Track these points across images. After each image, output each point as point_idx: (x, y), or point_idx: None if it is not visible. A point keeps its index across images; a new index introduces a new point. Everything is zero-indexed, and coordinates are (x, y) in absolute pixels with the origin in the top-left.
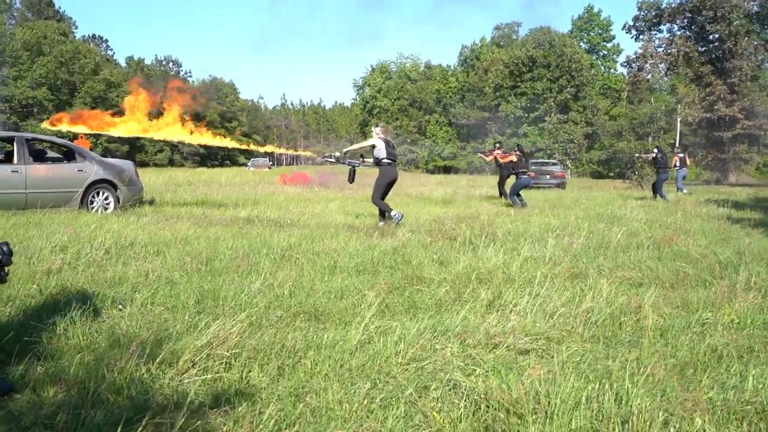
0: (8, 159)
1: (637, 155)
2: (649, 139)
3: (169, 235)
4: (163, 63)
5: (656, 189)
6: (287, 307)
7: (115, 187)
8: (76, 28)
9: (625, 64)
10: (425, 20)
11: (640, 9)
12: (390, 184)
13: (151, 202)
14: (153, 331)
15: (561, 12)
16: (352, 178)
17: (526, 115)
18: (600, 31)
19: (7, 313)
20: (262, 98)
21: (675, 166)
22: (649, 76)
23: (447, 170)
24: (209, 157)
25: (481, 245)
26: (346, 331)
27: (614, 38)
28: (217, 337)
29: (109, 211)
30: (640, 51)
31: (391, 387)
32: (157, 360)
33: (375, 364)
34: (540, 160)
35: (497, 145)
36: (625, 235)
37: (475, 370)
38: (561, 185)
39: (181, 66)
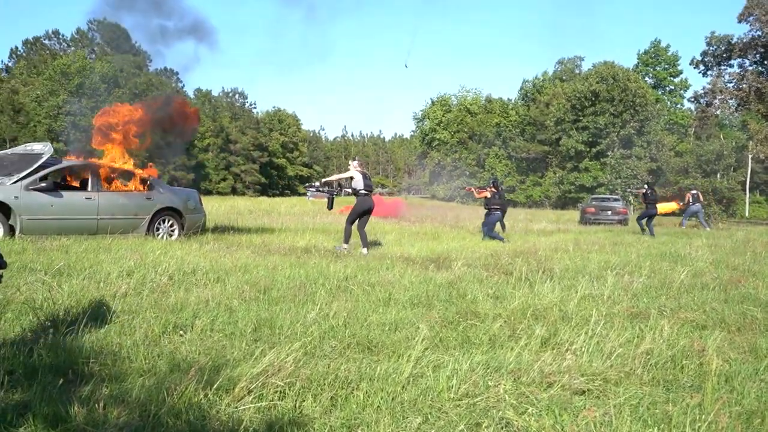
0: (83, 186)
1: (629, 190)
2: (717, 176)
3: (230, 263)
4: (230, 95)
5: (640, 223)
6: (341, 338)
7: (180, 214)
8: (150, 61)
9: (693, 99)
10: (486, 53)
11: (709, 44)
12: (365, 212)
13: (214, 230)
14: (211, 357)
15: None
16: (330, 205)
17: (588, 149)
18: (666, 66)
19: (77, 336)
20: (323, 129)
21: (688, 203)
22: (717, 112)
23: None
24: (270, 186)
25: (538, 281)
26: (398, 363)
27: (681, 73)
28: (273, 365)
29: (173, 237)
30: (708, 86)
31: (443, 423)
32: (215, 386)
33: (427, 398)
34: (601, 196)
35: (494, 182)
36: (689, 275)
37: (527, 409)
38: (623, 222)
39: (246, 98)
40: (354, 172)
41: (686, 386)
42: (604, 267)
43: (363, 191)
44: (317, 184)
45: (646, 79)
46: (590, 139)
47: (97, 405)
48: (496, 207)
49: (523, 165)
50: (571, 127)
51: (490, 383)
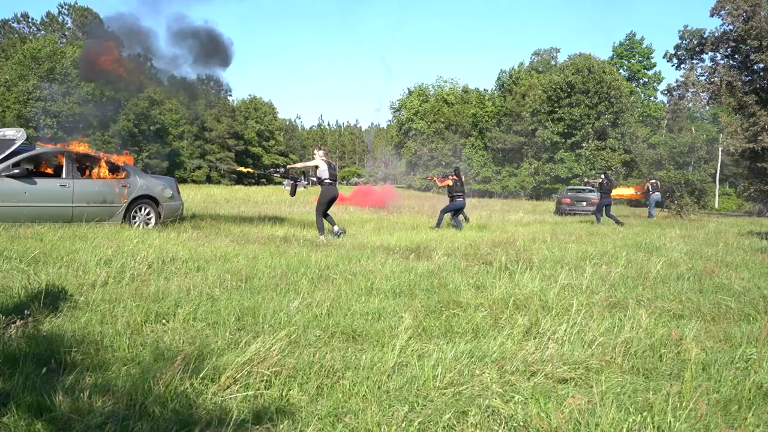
0: (57, 173)
1: (586, 180)
2: (689, 168)
3: (209, 251)
4: (205, 81)
5: (597, 213)
6: (325, 327)
7: (156, 202)
8: (123, 47)
9: (666, 92)
10: (464, 44)
11: (681, 38)
12: (330, 201)
13: (191, 219)
14: (195, 347)
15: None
16: (293, 192)
17: (563, 140)
18: (641, 59)
19: (57, 324)
20: (300, 118)
21: (647, 191)
22: (690, 105)
23: (482, 194)
24: (246, 175)
25: (518, 271)
26: (383, 352)
27: (655, 66)
28: (258, 354)
29: (150, 226)
30: (681, 79)
31: (429, 411)
32: (200, 375)
33: (412, 387)
34: (576, 187)
35: (456, 170)
36: (664, 265)
37: (513, 397)
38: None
39: (222, 86)
40: (319, 161)
41: (665, 374)
42: (582, 257)
43: (328, 180)
44: (282, 170)
45: (621, 71)
46: (565, 131)
47: (81, 394)
48: (458, 194)
49: (499, 156)
50: (546, 119)
51: (475, 372)
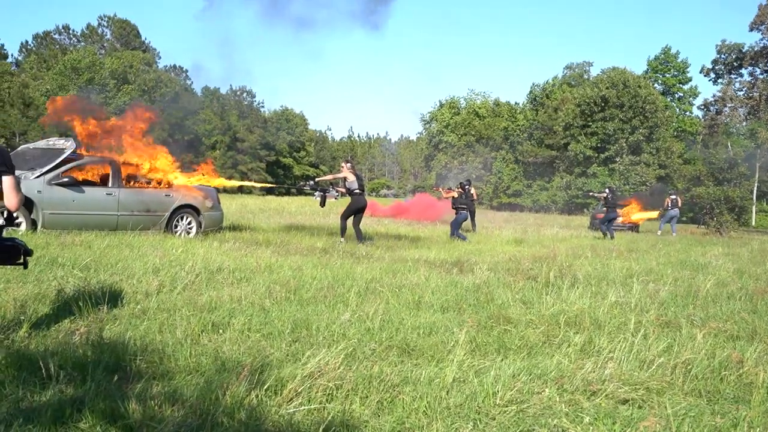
0: (104, 182)
1: (591, 193)
2: (729, 184)
3: (253, 262)
4: (237, 93)
5: (603, 227)
6: (379, 341)
7: (198, 212)
8: (160, 58)
9: (702, 107)
10: (495, 57)
11: (719, 52)
12: (359, 210)
13: (230, 228)
14: (254, 358)
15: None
16: (323, 203)
17: (596, 155)
18: (676, 73)
19: (118, 332)
20: (330, 129)
21: (667, 207)
22: (727, 120)
23: (512, 207)
24: (276, 186)
25: (564, 287)
26: (439, 368)
27: (691, 80)
28: (319, 367)
29: (191, 235)
30: (718, 94)
31: (494, 429)
32: (264, 387)
33: (473, 403)
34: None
35: (462, 183)
36: (713, 284)
37: (580, 417)
38: (633, 228)
39: (254, 96)
40: (347, 173)
41: (729, 398)
42: (627, 274)
43: (357, 191)
44: (311, 182)
45: (656, 85)
46: (599, 145)
47: (152, 402)
48: (462, 207)
49: (530, 169)
50: (579, 132)
51: (534, 390)
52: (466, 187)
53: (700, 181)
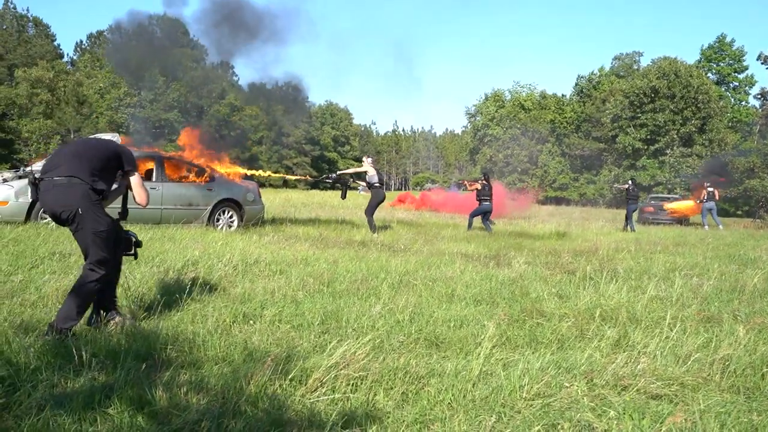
0: (148, 176)
1: (614, 185)
2: None
3: (290, 255)
4: (283, 88)
5: (627, 219)
6: (408, 333)
7: (239, 206)
8: (207, 55)
9: (759, 96)
10: (542, 49)
11: None
12: (380, 203)
13: (271, 222)
14: (282, 348)
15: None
16: (344, 195)
17: (646, 147)
18: (731, 62)
19: (153, 322)
20: (374, 124)
21: (703, 199)
22: None
23: (558, 201)
24: (321, 180)
25: (603, 281)
26: (467, 360)
27: (747, 69)
28: (344, 358)
29: (233, 229)
30: None
31: (518, 422)
32: (289, 377)
33: (499, 396)
34: (660, 195)
35: (485, 175)
36: (762, 279)
37: (606, 412)
38: (682, 222)
39: (300, 91)
40: (368, 167)
41: None
42: (670, 268)
43: (377, 184)
44: (333, 175)
45: (709, 75)
46: (648, 137)
47: (178, 390)
48: (485, 198)
49: (577, 162)
50: (628, 124)
51: (563, 384)
52: (490, 180)
53: (754, 173)
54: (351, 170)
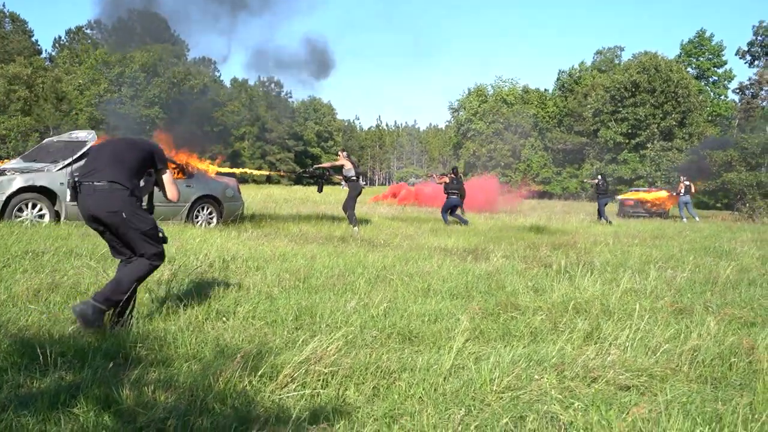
0: None
1: (585, 180)
2: (762, 169)
3: (268, 251)
4: (266, 84)
5: (600, 212)
6: (382, 328)
7: (219, 202)
8: (189, 50)
9: (738, 90)
10: (524, 44)
11: (756, 34)
12: (358, 195)
13: (251, 218)
14: (254, 345)
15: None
16: (320, 188)
17: (627, 141)
18: (710, 56)
19: (123, 320)
20: (358, 119)
21: (679, 193)
22: (764, 104)
23: (541, 195)
24: (304, 176)
25: (578, 274)
26: (439, 354)
27: (726, 63)
28: (315, 353)
29: (212, 225)
30: (755, 77)
31: (486, 415)
32: (259, 373)
33: (469, 390)
34: (641, 189)
35: (453, 169)
36: (735, 270)
37: (573, 404)
38: (662, 215)
39: (282, 87)
40: (344, 161)
41: (735, 385)
42: (646, 261)
43: (353, 177)
44: (310, 169)
45: (689, 69)
46: (629, 131)
47: (146, 388)
48: (453, 192)
49: (559, 156)
50: (609, 119)
51: (533, 377)
52: (458, 173)
53: (732, 166)
54: (327, 164)
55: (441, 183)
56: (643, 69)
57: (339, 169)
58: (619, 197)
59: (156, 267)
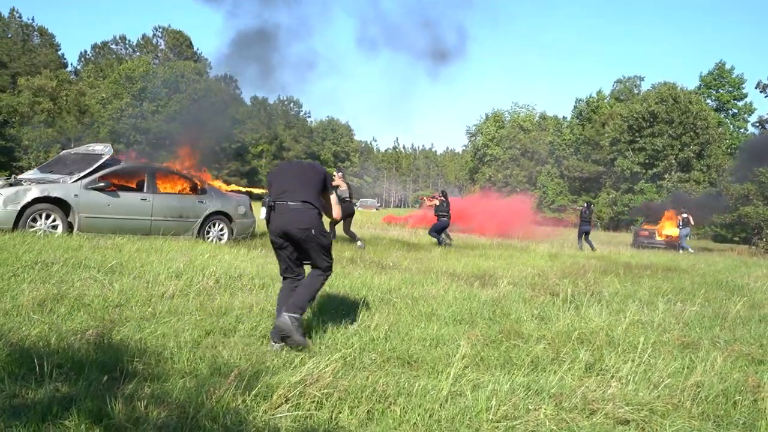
0: (139, 187)
1: (574, 206)
2: None
3: (275, 269)
4: (285, 103)
5: (579, 239)
6: (381, 351)
7: (230, 219)
8: (211, 68)
9: (757, 124)
10: (541, 70)
11: None
12: (350, 215)
13: (262, 236)
14: (251, 363)
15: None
16: None
17: (644, 171)
18: (731, 89)
19: (125, 333)
20: (375, 140)
21: (678, 226)
22: None
23: (556, 222)
24: None
25: (585, 304)
26: (438, 380)
27: (746, 96)
28: (311, 375)
29: (222, 242)
30: None
31: None
32: (253, 392)
33: (465, 418)
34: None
35: (443, 191)
36: (746, 306)
37: None
38: (678, 247)
39: (301, 107)
40: (339, 181)
41: (738, 423)
42: (656, 293)
43: (348, 198)
44: None
45: (708, 101)
46: (647, 161)
47: (139, 403)
48: (443, 214)
49: (575, 184)
50: (626, 148)
51: (530, 407)
52: (446, 195)
53: (749, 200)
54: None
55: (431, 206)
56: (662, 99)
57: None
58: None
59: (328, 277)
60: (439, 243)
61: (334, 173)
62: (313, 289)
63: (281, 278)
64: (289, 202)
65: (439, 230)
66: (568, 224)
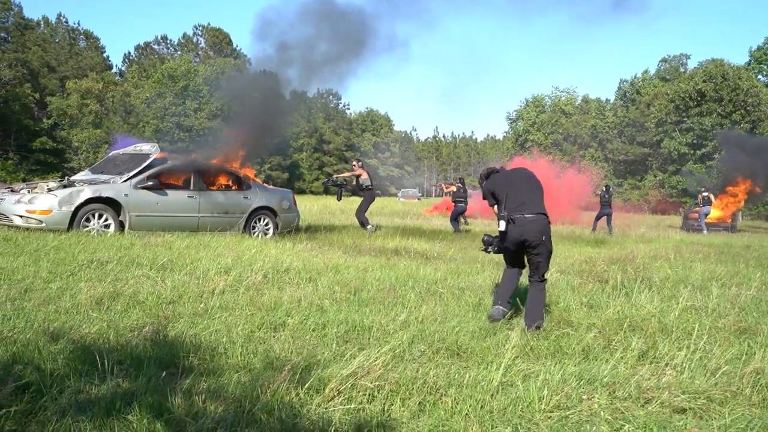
0: (186, 185)
1: (595, 191)
2: None
3: (321, 263)
4: (324, 96)
5: (595, 222)
6: (430, 343)
7: (275, 213)
8: (250, 64)
9: None
10: (582, 53)
11: None
12: (371, 203)
13: (307, 229)
14: (303, 357)
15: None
16: (339, 197)
17: (692, 152)
18: None
19: (179, 329)
20: (415, 130)
21: (699, 204)
22: None
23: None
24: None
25: (635, 290)
26: (488, 371)
27: None
28: (362, 367)
29: (268, 236)
30: None
31: None
32: (306, 385)
33: (517, 408)
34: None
35: (460, 178)
36: None
37: (624, 426)
38: (729, 228)
39: (340, 99)
40: (360, 170)
41: None
42: (709, 277)
43: (370, 186)
44: (333, 178)
45: (760, 77)
46: (695, 141)
47: (197, 398)
48: (460, 200)
49: (621, 168)
50: (673, 129)
51: (583, 396)
52: (464, 182)
53: None
54: (346, 174)
55: (449, 192)
56: (710, 77)
57: (358, 179)
58: (684, 210)
59: (546, 281)
60: (458, 230)
61: (353, 162)
62: (542, 298)
63: (506, 266)
64: (525, 215)
65: (455, 216)
66: (614, 208)
